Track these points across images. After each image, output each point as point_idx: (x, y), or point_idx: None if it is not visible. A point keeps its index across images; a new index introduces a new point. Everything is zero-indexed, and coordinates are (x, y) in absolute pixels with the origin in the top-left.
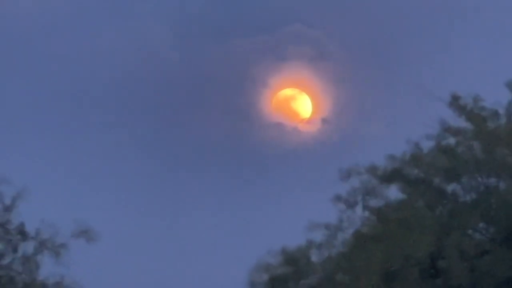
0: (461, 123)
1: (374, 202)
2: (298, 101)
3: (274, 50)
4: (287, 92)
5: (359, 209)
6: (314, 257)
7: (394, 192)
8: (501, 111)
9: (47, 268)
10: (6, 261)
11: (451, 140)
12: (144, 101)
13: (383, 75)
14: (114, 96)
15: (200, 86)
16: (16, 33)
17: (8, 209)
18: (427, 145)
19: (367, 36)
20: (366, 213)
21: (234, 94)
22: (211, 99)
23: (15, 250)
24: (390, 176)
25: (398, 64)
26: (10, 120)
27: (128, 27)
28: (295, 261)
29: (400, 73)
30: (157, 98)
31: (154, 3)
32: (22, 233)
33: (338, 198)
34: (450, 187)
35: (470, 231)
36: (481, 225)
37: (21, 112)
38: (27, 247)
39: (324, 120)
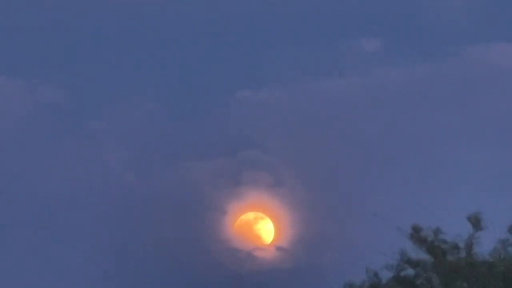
0: (421, 254)
1: None
2: (259, 225)
3: (231, 174)
4: (248, 216)
5: None
6: None
7: None
8: (461, 244)
9: None
10: None
11: (410, 271)
12: (98, 220)
13: (342, 203)
14: (70, 214)
15: (155, 208)
16: None
17: None
18: (386, 275)
19: (324, 163)
20: None
21: (188, 217)
22: (166, 223)
23: None
24: None
25: (357, 193)
26: None
27: (83, 146)
28: None
29: (358, 202)
30: (112, 217)
31: (109, 121)
32: None
33: None
34: None
35: None
36: None
37: None
38: None
39: (278, 248)
